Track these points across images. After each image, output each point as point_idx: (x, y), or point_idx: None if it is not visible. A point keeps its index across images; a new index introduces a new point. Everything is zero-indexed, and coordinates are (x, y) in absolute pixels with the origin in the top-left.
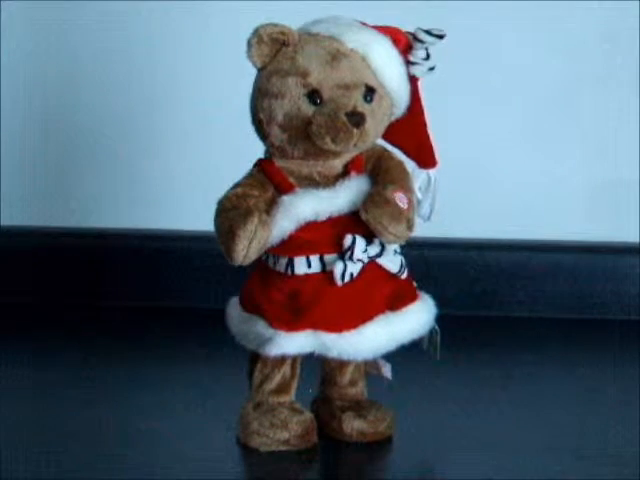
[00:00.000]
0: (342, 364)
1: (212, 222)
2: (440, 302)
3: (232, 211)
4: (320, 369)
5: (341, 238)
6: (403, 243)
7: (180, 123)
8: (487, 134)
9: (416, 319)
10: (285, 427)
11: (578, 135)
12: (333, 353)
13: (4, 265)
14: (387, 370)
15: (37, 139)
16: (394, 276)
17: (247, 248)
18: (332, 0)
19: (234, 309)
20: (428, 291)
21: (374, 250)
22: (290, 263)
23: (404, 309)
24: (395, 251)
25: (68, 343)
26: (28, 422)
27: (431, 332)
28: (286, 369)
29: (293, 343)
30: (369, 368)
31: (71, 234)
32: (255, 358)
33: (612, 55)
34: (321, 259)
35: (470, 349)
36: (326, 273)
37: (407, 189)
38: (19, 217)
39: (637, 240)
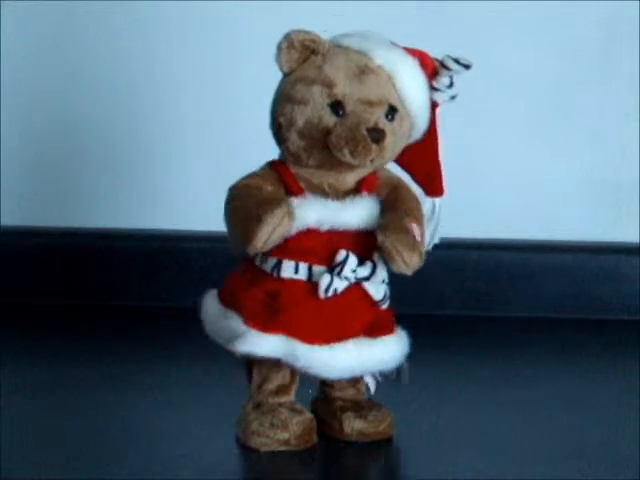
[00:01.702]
0: None
1: (212, 222)
2: (439, 302)
3: (252, 198)
4: None
5: (335, 253)
6: (409, 274)
7: (180, 123)
8: (487, 134)
9: (388, 352)
10: (285, 427)
11: (578, 135)
12: (300, 364)
13: (4, 265)
14: (371, 385)
15: (37, 139)
16: (375, 304)
17: (270, 235)
18: (333, 0)
19: (211, 301)
20: (428, 291)
21: (363, 272)
22: (278, 265)
23: (379, 339)
24: (383, 280)
25: (68, 343)
26: (28, 422)
27: (399, 369)
28: (285, 371)
29: (263, 344)
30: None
31: (71, 234)
32: (250, 361)
33: (612, 55)
34: (309, 268)
35: (470, 349)
36: (311, 283)
37: (421, 223)
38: (19, 217)
39: (637, 240)
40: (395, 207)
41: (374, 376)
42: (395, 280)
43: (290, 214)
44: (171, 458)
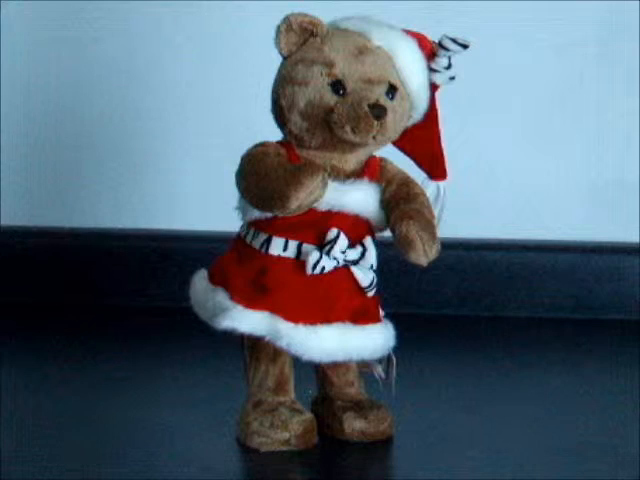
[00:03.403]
0: (335, 365)
1: (213, 222)
2: (440, 302)
3: (276, 160)
4: (314, 370)
5: (326, 233)
6: (424, 265)
7: (180, 123)
8: (487, 134)
9: (372, 339)
10: (285, 427)
11: (578, 135)
12: (282, 342)
13: (4, 265)
14: (379, 371)
15: (37, 139)
16: (362, 291)
17: (306, 198)
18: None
19: (200, 280)
20: (428, 291)
21: (353, 255)
22: (267, 241)
23: (364, 326)
24: (371, 266)
25: (68, 343)
26: (28, 422)
27: (387, 359)
28: (280, 366)
29: (247, 320)
30: (361, 368)
31: (71, 234)
32: (248, 359)
33: (612, 55)
34: (299, 246)
35: (470, 349)
36: (299, 261)
37: (434, 218)
38: (19, 217)
39: (637, 240)
40: (410, 200)
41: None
42: (395, 280)
43: (325, 181)
44: (171, 458)
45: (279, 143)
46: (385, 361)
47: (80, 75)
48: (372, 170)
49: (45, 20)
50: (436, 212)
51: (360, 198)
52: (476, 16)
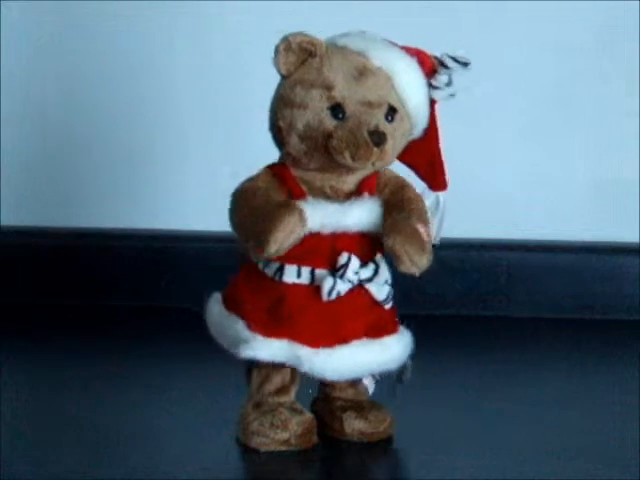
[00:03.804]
0: None
1: (212, 222)
2: (440, 302)
3: (259, 201)
4: None
5: (337, 255)
6: (417, 275)
7: (180, 124)
8: (487, 134)
9: (390, 352)
10: (285, 427)
11: (578, 135)
12: (304, 368)
13: (4, 265)
14: (370, 387)
15: (37, 139)
16: (378, 305)
17: (284, 241)
18: (331, 0)
19: (215, 305)
20: (428, 291)
21: (366, 274)
22: (280, 269)
23: (381, 339)
24: (386, 281)
25: (68, 343)
26: (28, 422)
27: (403, 368)
28: (286, 371)
29: (267, 349)
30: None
31: (71, 234)
32: (250, 362)
33: (612, 54)
34: (312, 272)
35: (470, 349)
36: (313, 286)
37: (427, 222)
38: (19, 217)
39: (637, 240)
40: (401, 208)
41: (373, 377)
42: (395, 280)
43: (303, 219)
44: (171, 458)
45: (271, 167)
46: (400, 369)
47: (80, 76)
48: (370, 185)
49: (45, 21)
50: (436, 222)
51: (362, 216)
52: (476, 16)
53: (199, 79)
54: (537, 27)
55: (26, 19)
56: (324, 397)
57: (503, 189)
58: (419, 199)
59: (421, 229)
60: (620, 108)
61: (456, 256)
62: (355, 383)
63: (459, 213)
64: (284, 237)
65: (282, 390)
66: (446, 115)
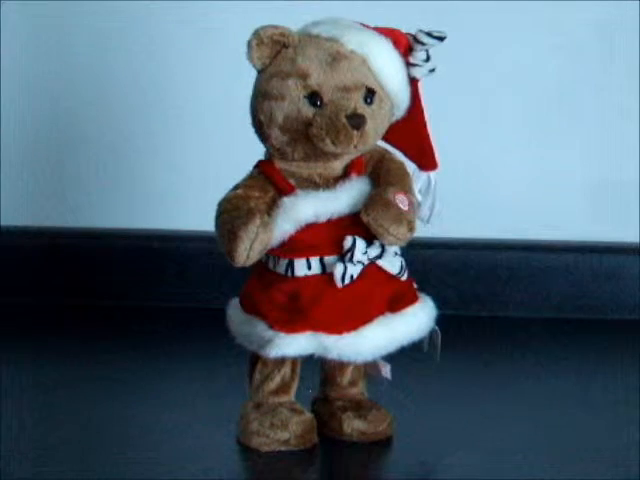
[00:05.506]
0: (342, 364)
1: (212, 222)
2: (440, 302)
3: (233, 212)
4: (320, 369)
5: (341, 240)
6: (404, 245)
7: (180, 123)
8: (487, 134)
9: (415, 321)
10: (285, 427)
11: (578, 135)
12: (333, 355)
13: (4, 265)
14: (387, 371)
15: (37, 139)
16: (394, 277)
17: (249, 250)
18: (332, 1)
19: (234, 310)
20: (428, 291)
21: (374, 252)
22: (290, 265)
23: (404, 311)
24: (395, 253)
25: (68, 343)
26: (28, 422)
27: (431, 333)
28: (286, 370)
29: (293, 345)
30: (369, 369)
31: (71, 234)
32: (255, 359)
33: (612, 54)
34: (321, 261)
35: (470, 349)
36: (326, 275)
37: (408, 191)
38: (19, 217)
39: (637, 240)
40: (378, 181)
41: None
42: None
43: (265, 225)
44: (171, 458)
45: (258, 165)
46: (429, 336)
47: (80, 75)
48: (357, 166)
49: (45, 20)
50: (428, 202)
51: (353, 198)
52: (476, 16)
53: (200, 79)
54: (537, 27)
55: (26, 19)
56: (324, 397)
57: (503, 189)
58: (399, 167)
59: (397, 199)
60: (620, 108)
61: (456, 256)
62: (355, 383)
63: (459, 213)
64: (248, 247)
65: (282, 389)
66: (446, 115)
